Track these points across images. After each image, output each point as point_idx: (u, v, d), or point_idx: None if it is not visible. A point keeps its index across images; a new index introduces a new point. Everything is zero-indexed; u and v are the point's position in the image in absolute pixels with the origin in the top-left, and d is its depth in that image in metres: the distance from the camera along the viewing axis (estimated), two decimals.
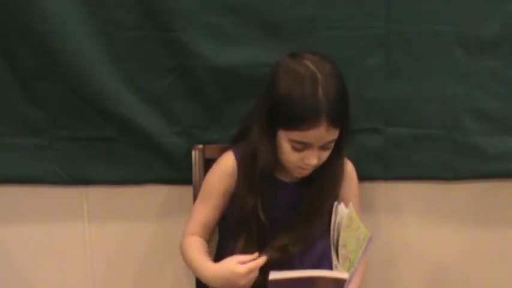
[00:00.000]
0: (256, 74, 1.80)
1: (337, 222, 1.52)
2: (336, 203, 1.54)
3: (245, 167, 1.65)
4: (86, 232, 1.95)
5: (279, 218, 1.66)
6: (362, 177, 1.79)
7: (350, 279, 1.57)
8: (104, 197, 1.92)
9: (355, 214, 1.54)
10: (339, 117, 1.55)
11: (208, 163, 1.80)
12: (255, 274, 1.54)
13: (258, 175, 1.62)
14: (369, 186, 1.87)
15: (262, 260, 1.54)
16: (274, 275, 1.49)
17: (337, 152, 1.64)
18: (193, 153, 1.82)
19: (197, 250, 1.67)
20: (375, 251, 1.89)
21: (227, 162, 1.68)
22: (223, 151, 1.73)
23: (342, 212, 1.53)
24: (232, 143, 1.74)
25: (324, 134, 1.54)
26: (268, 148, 1.60)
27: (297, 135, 1.55)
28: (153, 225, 1.95)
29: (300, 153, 1.57)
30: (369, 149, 1.85)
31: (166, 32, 1.79)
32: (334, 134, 1.57)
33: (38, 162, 1.87)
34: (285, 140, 1.57)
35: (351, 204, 1.55)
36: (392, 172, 1.88)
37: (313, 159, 1.57)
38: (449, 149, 1.85)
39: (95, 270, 1.98)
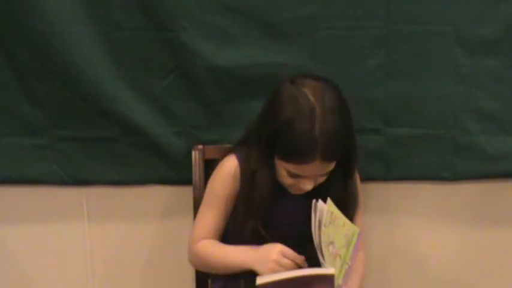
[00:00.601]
0: (256, 74, 1.80)
1: (317, 219, 1.52)
2: (314, 200, 1.53)
3: (245, 187, 1.62)
4: (86, 232, 1.95)
5: (286, 225, 1.64)
6: (362, 177, 1.79)
7: (346, 277, 1.57)
8: (104, 197, 1.92)
9: (337, 209, 1.54)
10: (335, 153, 1.53)
11: (208, 163, 1.80)
12: (287, 263, 1.53)
13: (257, 201, 1.60)
14: (369, 186, 1.86)
15: (301, 258, 1.54)
16: (261, 279, 1.49)
17: (345, 175, 1.62)
18: (193, 153, 1.82)
19: (219, 245, 1.66)
20: (374, 251, 1.89)
21: (230, 166, 1.66)
22: (223, 151, 1.72)
23: (321, 208, 1.52)
24: (234, 146, 1.72)
25: (319, 168, 1.53)
26: (267, 174, 1.59)
27: (292, 167, 1.54)
28: (153, 225, 1.95)
29: (296, 179, 1.57)
30: (369, 149, 1.85)
31: (166, 32, 1.79)
32: (329, 167, 1.55)
33: (38, 162, 1.87)
34: (280, 167, 1.56)
35: (329, 199, 1.54)
36: (392, 172, 1.88)
37: (308, 185, 1.57)
38: (449, 149, 1.85)
39: (95, 270, 1.98)
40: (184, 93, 1.83)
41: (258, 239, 1.60)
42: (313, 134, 1.48)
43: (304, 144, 1.49)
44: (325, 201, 1.53)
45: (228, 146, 1.75)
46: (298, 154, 1.51)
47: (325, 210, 1.51)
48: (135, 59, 1.81)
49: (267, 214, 1.61)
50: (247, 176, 1.61)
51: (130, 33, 1.80)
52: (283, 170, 1.56)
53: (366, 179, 1.82)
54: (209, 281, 1.79)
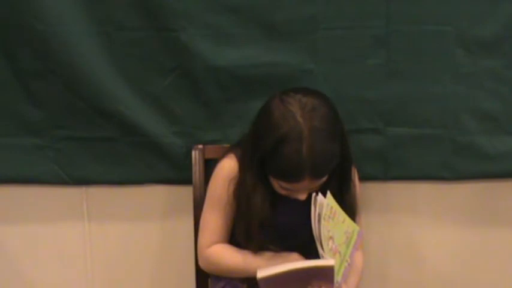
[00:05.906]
0: (256, 74, 1.80)
1: (317, 213, 1.52)
2: (313, 194, 1.54)
3: (243, 209, 1.62)
4: (86, 232, 1.95)
5: (287, 227, 1.65)
6: (362, 177, 1.79)
7: (345, 275, 1.57)
8: (104, 197, 1.93)
9: (336, 204, 1.55)
10: (325, 171, 1.54)
11: (208, 163, 1.80)
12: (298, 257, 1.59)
13: (257, 223, 1.60)
14: (369, 186, 1.86)
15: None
16: (262, 273, 1.49)
17: (341, 185, 1.63)
18: (193, 153, 1.82)
19: (235, 249, 1.66)
20: (374, 251, 1.90)
21: (229, 168, 1.65)
22: (223, 151, 1.72)
23: (321, 202, 1.53)
24: (232, 145, 1.72)
25: (310, 184, 1.54)
26: (262, 194, 1.59)
27: (283, 184, 1.55)
28: (153, 225, 1.95)
29: (289, 191, 1.58)
30: (369, 149, 1.85)
31: (166, 32, 1.79)
32: (320, 181, 1.56)
33: (38, 162, 1.87)
34: (273, 181, 1.58)
35: (329, 193, 1.55)
36: (392, 172, 1.88)
37: (302, 196, 1.58)
38: (449, 149, 1.85)
39: (95, 270, 1.98)
40: (184, 93, 1.83)
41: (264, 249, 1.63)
42: (300, 157, 1.49)
43: (292, 167, 1.50)
44: (325, 195, 1.53)
45: (228, 146, 1.75)
46: (286, 176, 1.53)
47: (324, 203, 1.52)
48: (135, 59, 1.81)
49: (268, 228, 1.61)
50: (243, 198, 1.61)
51: (131, 33, 1.80)
52: (276, 183, 1.57)
53: (365, 178, 1.82)
54: (209, 281, 1.79)
